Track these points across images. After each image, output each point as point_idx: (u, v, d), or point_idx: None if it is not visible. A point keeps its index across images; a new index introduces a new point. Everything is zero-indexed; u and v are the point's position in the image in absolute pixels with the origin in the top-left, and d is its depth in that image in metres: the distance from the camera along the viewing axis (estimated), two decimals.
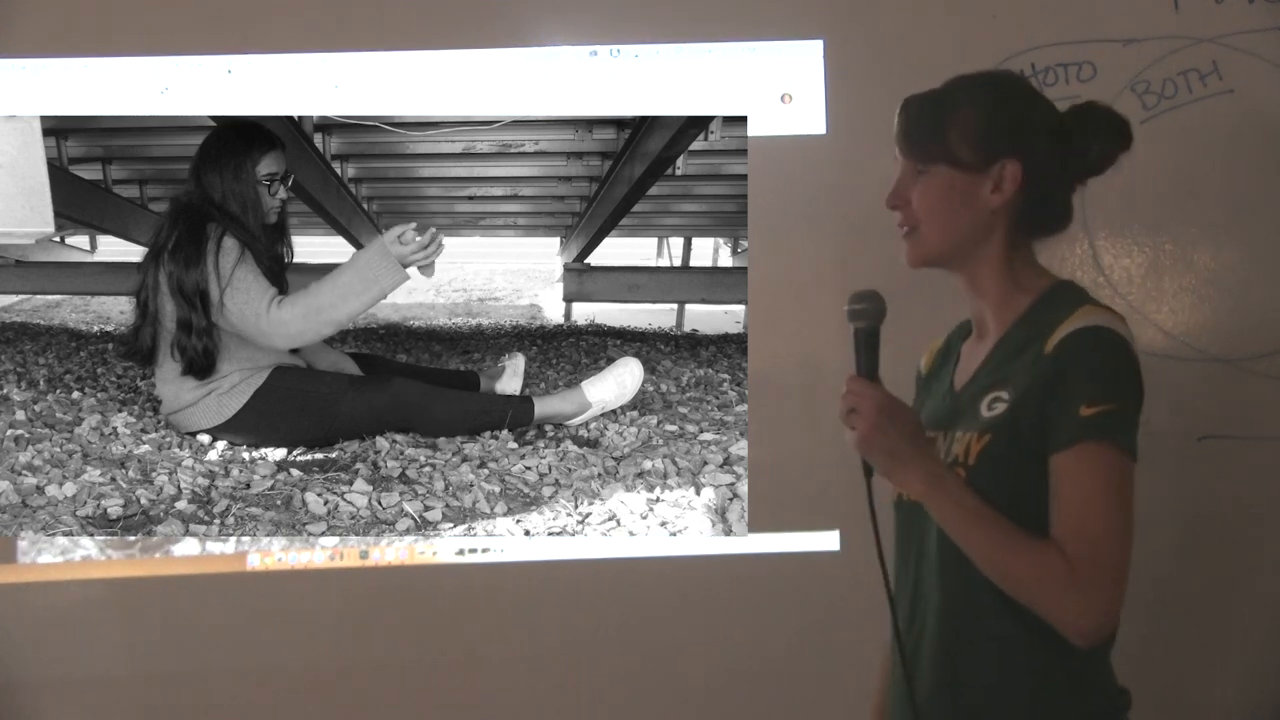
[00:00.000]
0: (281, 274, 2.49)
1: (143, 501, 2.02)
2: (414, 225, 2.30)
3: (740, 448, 2.31)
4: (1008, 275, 1.46)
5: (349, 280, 2.30)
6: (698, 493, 2.08)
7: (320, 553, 2.29)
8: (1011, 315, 1.45)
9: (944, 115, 1.44)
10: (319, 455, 2.32)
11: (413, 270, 2.32)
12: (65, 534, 1.93)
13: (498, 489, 2.09)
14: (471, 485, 2.08)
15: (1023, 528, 1.35)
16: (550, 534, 1.95)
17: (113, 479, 2.10)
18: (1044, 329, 1.38)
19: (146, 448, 2.31)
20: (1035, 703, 1.40)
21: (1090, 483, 1.32)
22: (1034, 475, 1.36)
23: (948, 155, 1.43)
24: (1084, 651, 1.36)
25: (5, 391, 2.81)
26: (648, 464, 2.21)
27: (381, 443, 2.32)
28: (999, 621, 1.39)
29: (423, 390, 2.43)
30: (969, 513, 1.36)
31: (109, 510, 1.98)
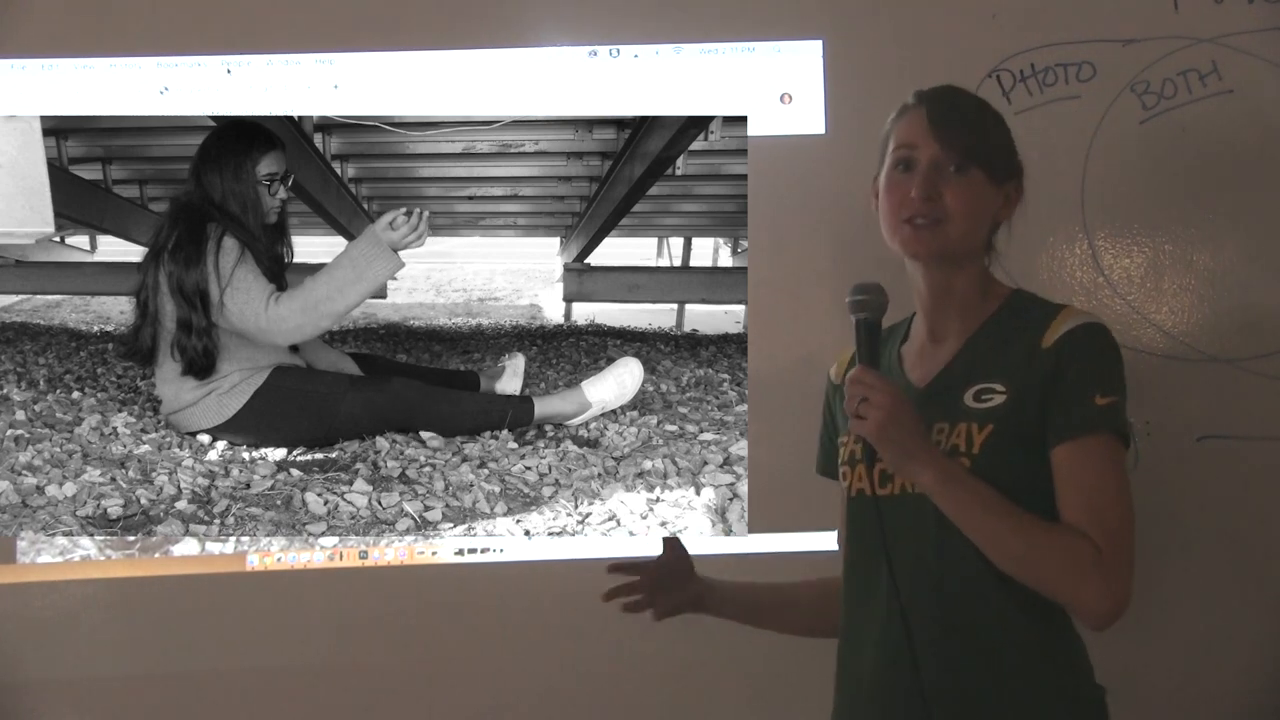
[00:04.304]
0: (281, 274, 2.49)
1: (143, 501, 2.02)
2: (403, 210, 2.31)
3: (740, 448, 2.31)
4: (982, 280, 1.53)
5: (345, 272, 2.31)
6: (698, 493, 2.08)
7: (320, 553, 2.29)
8: (979, 317, 1.51)
9: (985, 122, 1.50)
10: (319, 455, 2.32)
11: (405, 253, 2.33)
12: (65, 534, 1.94)
13: (498, 489, 2.09)
14: (471, 485, 2.08)
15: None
16: (550, 534, 1.95)
17: (113, 479, 2.10)
18: (1032, 326, 1.44)
19: (146, 448, 2.31)
20: (1028, 685, 1.42)
21: (1107, 470, 1.38)
22: (1035, 463, 1.40)
23: (987, 161, 1.48)
24: (1075, 640, 1.43)
25: (5, 391, 2.81)
26: (648, 464, 2.21)
27: (381, 443, 2.32)
28: (1003, 606, 1.41)
29: (422, 390, 2.43)
30: (985, 502, 1.38)
31: (109, 510, 1.98)
